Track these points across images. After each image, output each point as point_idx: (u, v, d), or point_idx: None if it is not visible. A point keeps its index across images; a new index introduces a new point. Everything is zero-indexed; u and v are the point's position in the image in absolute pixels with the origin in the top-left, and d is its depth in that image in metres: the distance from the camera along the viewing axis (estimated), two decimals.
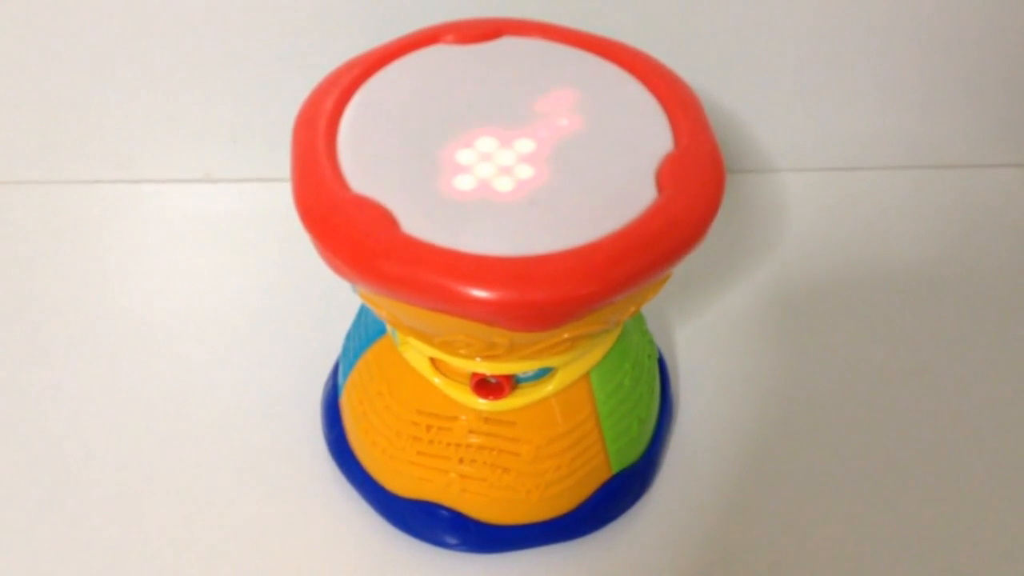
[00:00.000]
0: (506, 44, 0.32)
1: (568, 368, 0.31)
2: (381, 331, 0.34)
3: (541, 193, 0.26)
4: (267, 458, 0.37)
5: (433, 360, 0.31)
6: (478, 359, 0.29)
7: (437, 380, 0.32)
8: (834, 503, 0.37)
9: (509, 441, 0.32)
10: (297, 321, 0.43)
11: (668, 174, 0.26)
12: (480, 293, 0.23)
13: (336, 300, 0.40)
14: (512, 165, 0.27)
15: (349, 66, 0.30)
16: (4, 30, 0.45)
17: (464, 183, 0.26)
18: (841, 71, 0.48)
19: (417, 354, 0.32)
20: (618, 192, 0.26)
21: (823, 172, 0.52)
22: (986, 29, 0.47)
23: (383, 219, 0.25)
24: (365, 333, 0.35)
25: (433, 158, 0.27)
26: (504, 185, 0.26)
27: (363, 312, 0.36)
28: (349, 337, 0.37)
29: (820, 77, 0.49)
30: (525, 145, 0.27)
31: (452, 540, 0.34)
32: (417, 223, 0.25)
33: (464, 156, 0.27)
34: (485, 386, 0.31)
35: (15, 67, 0.46)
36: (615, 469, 0.34)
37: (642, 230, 0.25)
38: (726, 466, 0.38)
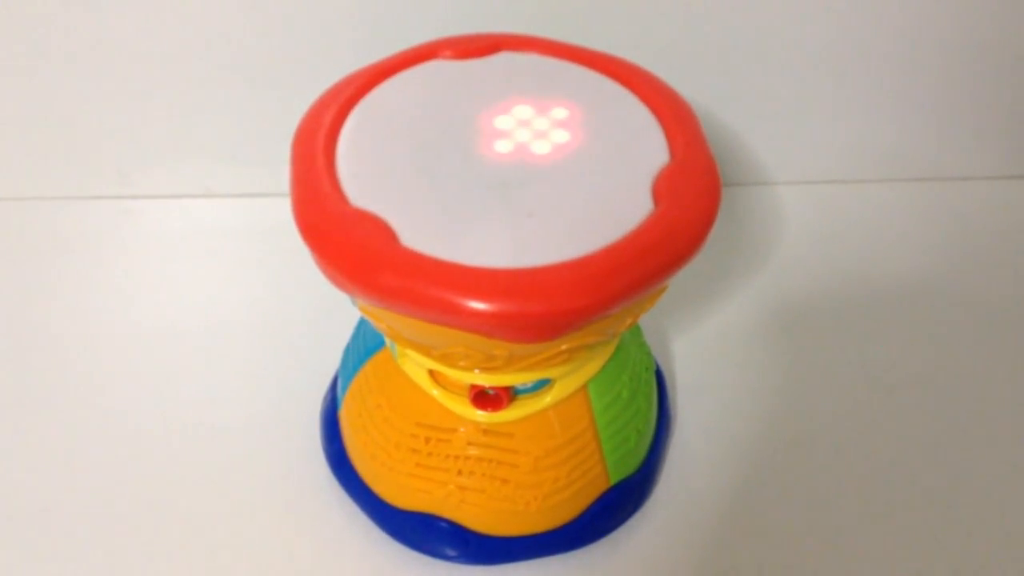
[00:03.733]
0: (503, 59, 0.32)
1: (566, 380, 0.32)
2: (380, 344, 0.34)
3: (539, 206, 0.26)
4: (267, 471, 0.38)
5: (432, 372, 0.32)
6: (477, 371, 0.29)
7: (436, 392, 0.32)
8: (831, 515, 0.37)
9: (507, 453, 0.32)
10: (296, 335, 0.43)
11: (664, 186, 0.27)
12: (479, 305, 0.24)
13: (335, 314, 0.40)
14: (511, 177, 0.27)
15: (348, 81, 0.31)
16: (4, 47, 0.45)
17: (462, 196, 0.26)
18: (837, 84, 0.49)
19: (416, 366, 0.32)
20: (615, 204, 0.26)
21: (819, 185, 0.53)
22: (981, 43, 0.48)
23: (382, 232, 0.25)
24: (364, 346, 0.35)
25: (431, 172, 0.27)
26: (502, 197, 0.26)
27: (362, 325, 0.37)
28: (348, 350, 0.37)
29: (816, 90, 0.49)
30: (523, 158, 0.28)
31: (451, 552, 0.34)
32: (416, 236, 0.25)
33: (463, 170, 0.27)
34: (484, 398, 0.31)
35: (15, 83, 0.46)
36: (613, 480, 0.35)
37: (639, 242, 0.25)
38: (724, 477, 0.38)
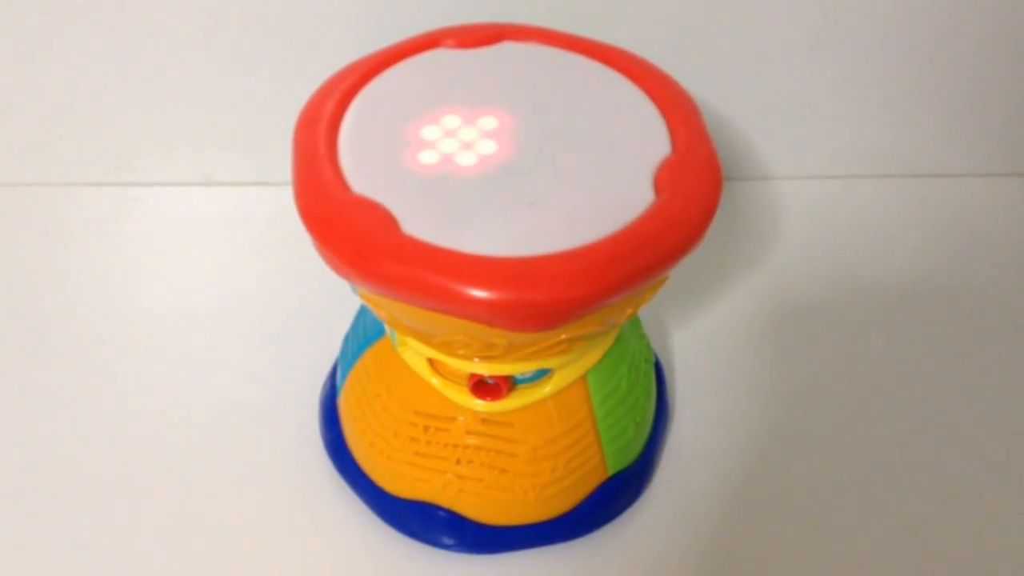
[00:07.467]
0: (506, 49, 0.32)
1: (565, 370, 0.32)
2: (380, 332, 0.34)
3: (540, 195, 0.26)
4: (265, 459, 0.38)
5: (431, 361, 0.32)
6: (476, 360, 0.29)
7: (435, 381, 0.32)
8: (829, 507, 0.37)
9: (506, 442, 0.32)
10: (296, 323, 0.43)
11: (665, 177, 0.27)
12: (479, 293, 0.24)
13: (335, 302, 0.40)
14: (512, 166, 0.27)
15: (350, 69, 0.31)
16: (5, 34, 0.45)
17: (464, 184, 0.26)
18: (838, 80, 0.49)
19: (415, 355, 0.32)
20: (616, 195, 0.26)
21: (819, 180, 0.53)
22: (981, 39, 0.48)
23: (383, 220, 0.25)
24: (364, 334, 0.35)
25: (432, 160, 0.27)
26: (504, 186, 0.26)
27: (362, 313, 0.37)
28: (348, 339, 0.37)
29: (817, 86, 0.49)
30: (524, 147, 0.28)
31: (449, 540, 0.34)
32: (417, 224, 0.25)
33: (464, 158, 0.27)
34: (483, 387, 0.31)
35: (16, 70, 0.46)
36: (611, 471, 0.35)
37: (640, 232, 0.25)
38: (721, 469, 0.38)
